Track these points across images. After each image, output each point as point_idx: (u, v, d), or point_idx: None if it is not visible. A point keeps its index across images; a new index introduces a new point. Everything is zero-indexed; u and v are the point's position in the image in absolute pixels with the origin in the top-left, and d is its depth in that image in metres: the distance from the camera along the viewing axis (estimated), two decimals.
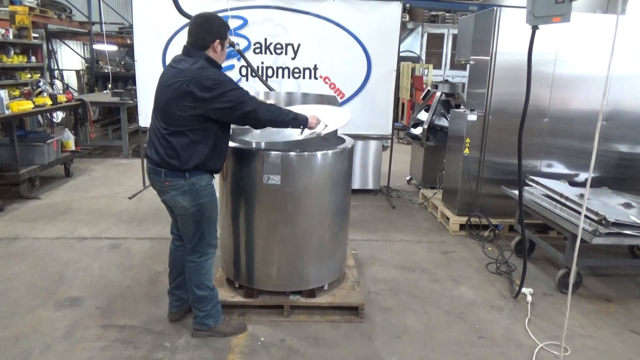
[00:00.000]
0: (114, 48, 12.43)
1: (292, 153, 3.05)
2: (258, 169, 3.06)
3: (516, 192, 4.60)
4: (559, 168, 5.17)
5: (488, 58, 4.93)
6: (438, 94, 6.71)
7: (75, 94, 13.41)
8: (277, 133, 3.30)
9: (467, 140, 5.09)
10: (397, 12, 5.91)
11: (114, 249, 4.49)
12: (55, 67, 12.78)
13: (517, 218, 4.62)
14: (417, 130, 6.80)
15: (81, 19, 12.53)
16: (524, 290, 3.78)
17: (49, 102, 6.41)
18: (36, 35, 10.33)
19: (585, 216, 3.68)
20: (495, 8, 4.82)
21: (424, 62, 14.33)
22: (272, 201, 3.12)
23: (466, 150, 5.11)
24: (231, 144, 3.10)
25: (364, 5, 5.93)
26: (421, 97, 7.41)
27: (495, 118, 4.99)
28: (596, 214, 3.66)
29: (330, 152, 3.16)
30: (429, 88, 7.16)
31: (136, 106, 6.22)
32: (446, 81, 6.79)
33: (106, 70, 11.47)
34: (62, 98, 6.73)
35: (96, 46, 11.99)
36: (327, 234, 3.31)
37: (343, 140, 3.51)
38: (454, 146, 5.43)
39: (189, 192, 2.79)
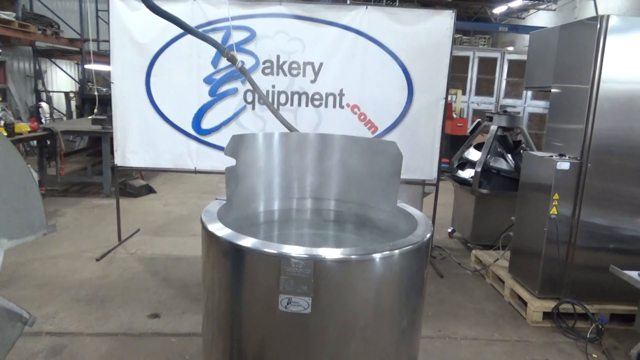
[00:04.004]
0: (108, 68, 11.25)
1: (330, 256, 1.65)
2: (269, 285, 1.66)
3: (636, 276, 3.20)
4: None
5: (586, 86, 3.55)
6: (493, 127, 5.32)
7: (64, 119, 12.22)
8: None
9: (556, 196, 3.68)
10: (448, 23, 4.57)
11: (52, 358, 3.07)
12: (43, 89, 11.59)
13: None
14: (466, 173, 5.40)
15: (72, 35, 11.36)
16: None
17: (4, 132, 5.08)
18: None
19: None
20: (600, 17, 3.46)
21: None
22: (295, 343, 1.71)
23: (554, 211, 3.70)
24: (221, 234, 1.71)
25: (405, 14, 4.61)
26: (469, 131, 6.01)
27: (598, 165, 3.59)
28: None
29: (397, 252, 1.75)
30: (479, 120, 5.77)
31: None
32: (504, 112, 5.41)
33: (95, 93, 10.22)
34: (22, 127, 5.40)
35: (88, 66, 10.81)
36: None
37: (412, 220, 2.10)
38: (531, 200, 4.02)
39: None
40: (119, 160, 4.85)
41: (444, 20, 4.57)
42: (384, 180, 2.35)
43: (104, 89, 10.52)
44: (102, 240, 5.22)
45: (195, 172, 4.90)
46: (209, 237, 1.86)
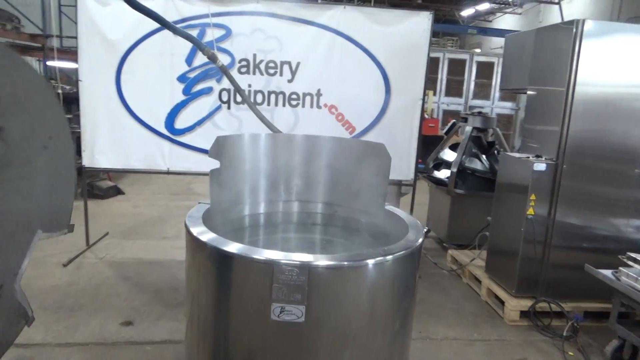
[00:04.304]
0: (74, 65, 10.84)
1: (324, 263, 1.60)
2: (261, 293, 1.59)
3: (610, 275, 3.28)
4: None
5: (562, 89, 3.61)
6: (468, 128, 5.38)
7: None
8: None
9: (533, 197, 3.73)
10: (425, 25, 4.58)
11: None
12: None
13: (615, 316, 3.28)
14: (442, 174, 5.44)
15: (34, 30, 10.90)
16: None
17: None
18: None
19: None
20: (576, 21, 3.53)
21: None
22: (288, 353, 1.64)
23: (530, 211, 3.74)
24: (206, 239, 1.63)
25: (383, 15, 4.59)
26: (444, 132, 6.06)
27: (573, 166, 3.66)
28: None
29: (390, 257, 1.71)
30: (454, 121, 5.83)
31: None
32: (479, 113, 5.47)
33: (59, 92, 9.83)
34: None
35: (51, 63, 10.39)
36: None
37: (402, 224, 2.06)
38: (508, 200, 4.07)
39: None
40: (86, 161, 4.66)
41: (421, 22, 4.57)
42: (372, 183, 2.31)
43: (68, 87, 10.14)
44: (68, 244, 4.99)
45: (168, 173, 4.76)
46: (195, 242, 1.77)
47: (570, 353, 3.45)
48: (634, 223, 3.80)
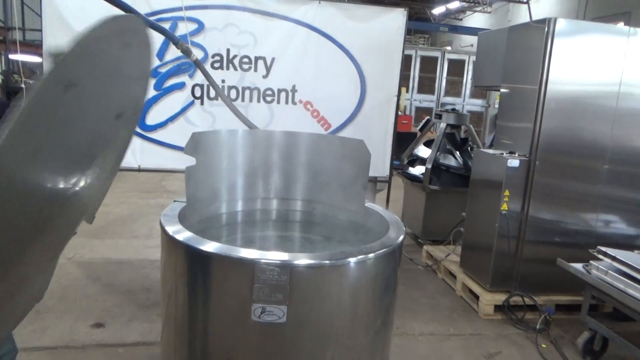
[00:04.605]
0: (37, 59, 10.43)
1: (306, 262, 1.56)
2: (241, 294, 1.54)
3: (580, 268, 3.36)
4: (621, 227, 3.96)
5: (535, 87, 3.67)
6: (442, 125, 5.42)
7: None
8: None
9: (507, 192, 3.78)
10: (400, 21, 4.58)
11: None
12: None
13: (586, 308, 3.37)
14: (416, 170, 5.47)
15: None
16: None
17: None
18: None
19: None
20: (548, 20, 3.58)
21: None
22: (269, 354, 1.60)
23: (504, 207, 3.80)
24: (183, 238, 1.58)
25: (358, 10, 4.57)
26: (418, 128, 6.10)
27: (545, 162, 3.73)
28: None
29: (372, 255, 1.68)
30: (428, 117, 5.87)
31: None
32: (453, 110, 5.52)
33: (22, 86, 9.48)
34: None
35: (13, 56, 10.02)
36: None
37: (382, 221, 2.05)
38: (482, 196, 4.12)
39: None
40: None
41: (396, 18, 4.57)
42: (352, 179, 2.28)
43: (31, 82, 9.80)
44: None
45: (140, 170, 4.62)
46: (171, 242, 1.71)
47: (543, 345, 3.52)
48: (603, 217, 3.90)
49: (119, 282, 4.13)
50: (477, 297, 4.02)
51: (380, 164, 4.84)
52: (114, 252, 4.81)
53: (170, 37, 3.29)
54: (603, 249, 3.38)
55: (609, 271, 3.17)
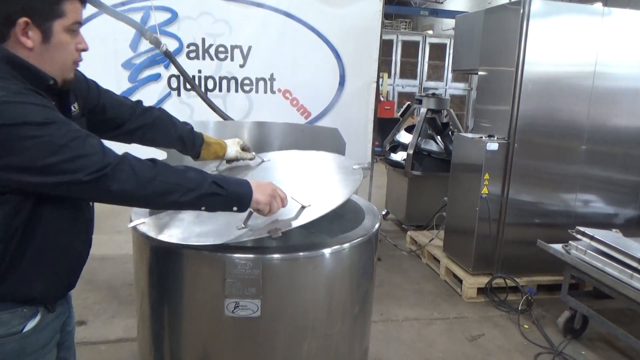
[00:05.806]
0: None
1: (278, 254, 1.54)
2: (214, 289, 1.52)
3: (560, 249, 3.40)
4: (599, 206, 4.01)
5: (512, 69, 3.67)
6: (423, 110, 5.41)
7: None
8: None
9: (487, 176, 3.79)
10: (377, 6, 4.52)
11: None
12: None
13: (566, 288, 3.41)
14: (398, 156, 5.47)
15: None
16: None
17: None
18: None
19: None
20: (523, 1, 3.57)
21: None
22: (245, 349, 1.58)
23: (484, 190, 3.81)
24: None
25: None
26: (399, 114, 6.08)
27: (523, 144, 3.74)
28: None
29: (347, 245, 1.67)
30: (409, 103, 5.85)
31: None
32: (433, 95, 5.51)
33: None
34: None
35: None
36: None
37: (357, 208, 2.03)
38: (463, 180, 4.13)
39: None
40: None
41: (372, 3, 4.51)
42: None
43: None
44: None
45: None
46: (140, 236, 1.68)
47: (526, 326, 3.56)
48: (582, 197, 3.94)
49: (100, 278, 4.08)
50: (460, 280, 4.05)
51: (361, 151, 4.82)
52: (95, 247, 4.63)
53: (137, 28, 3.21)
54: (581, 229, 3.42)
55: (588, 251, 3.21)
